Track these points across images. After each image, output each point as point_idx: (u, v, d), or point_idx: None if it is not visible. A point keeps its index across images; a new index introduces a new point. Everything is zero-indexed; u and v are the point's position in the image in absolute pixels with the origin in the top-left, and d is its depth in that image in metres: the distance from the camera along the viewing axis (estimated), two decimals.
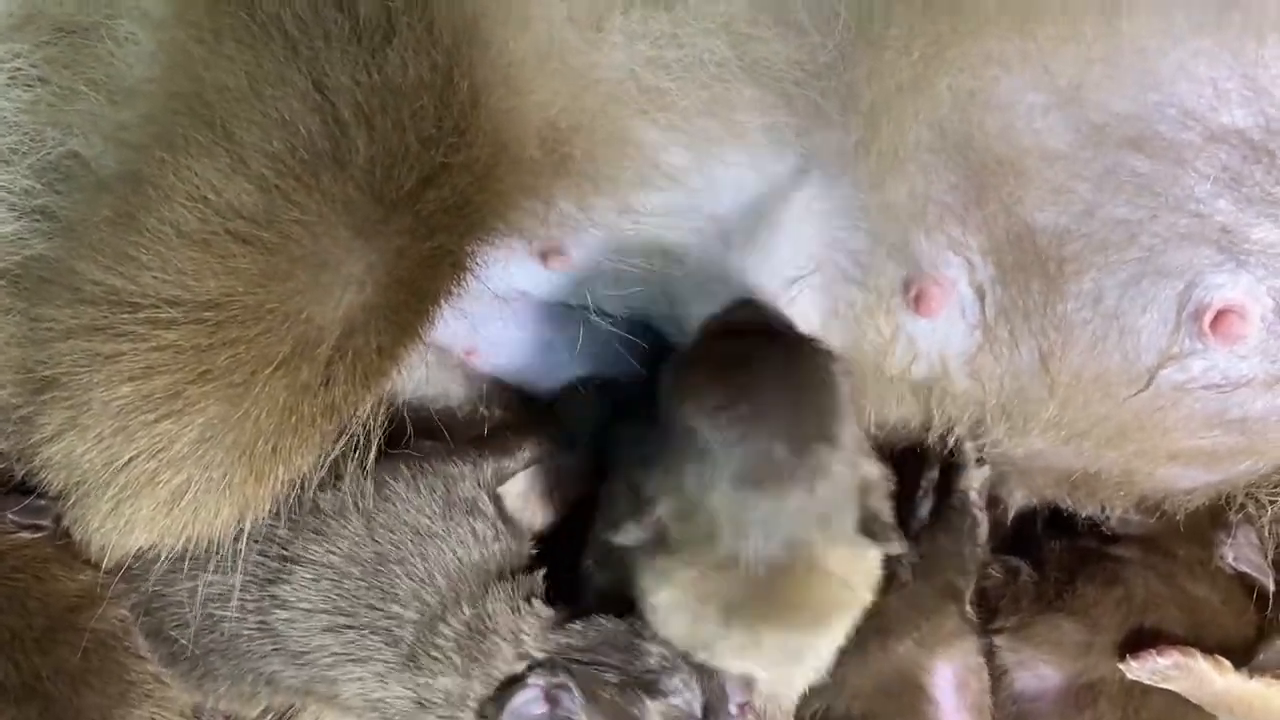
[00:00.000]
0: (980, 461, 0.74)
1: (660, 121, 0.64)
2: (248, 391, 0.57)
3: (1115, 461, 0.70)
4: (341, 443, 0.62)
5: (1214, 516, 0.76)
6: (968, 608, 0.75)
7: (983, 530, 0.76)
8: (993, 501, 0.78)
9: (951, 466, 0.75)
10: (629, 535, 0.60)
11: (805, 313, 0.66)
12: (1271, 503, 0.75)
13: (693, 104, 0.64)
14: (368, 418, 0.62)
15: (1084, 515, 0.78)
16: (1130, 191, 0.62)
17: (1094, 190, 0.62)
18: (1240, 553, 0.76)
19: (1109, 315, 0.64)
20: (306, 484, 0.62)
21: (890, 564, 0.70)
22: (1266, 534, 0.76)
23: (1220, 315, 0.63)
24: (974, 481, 0.74)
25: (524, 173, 0.62)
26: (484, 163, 0.58)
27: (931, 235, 0.64)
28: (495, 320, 0.71)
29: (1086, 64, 0.60)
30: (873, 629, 0.71)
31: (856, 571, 0.60)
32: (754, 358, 0.58)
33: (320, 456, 0.62)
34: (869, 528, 0.59)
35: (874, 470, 0.63)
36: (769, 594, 0.58)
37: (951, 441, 0.73)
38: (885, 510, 0.62)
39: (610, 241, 0.67)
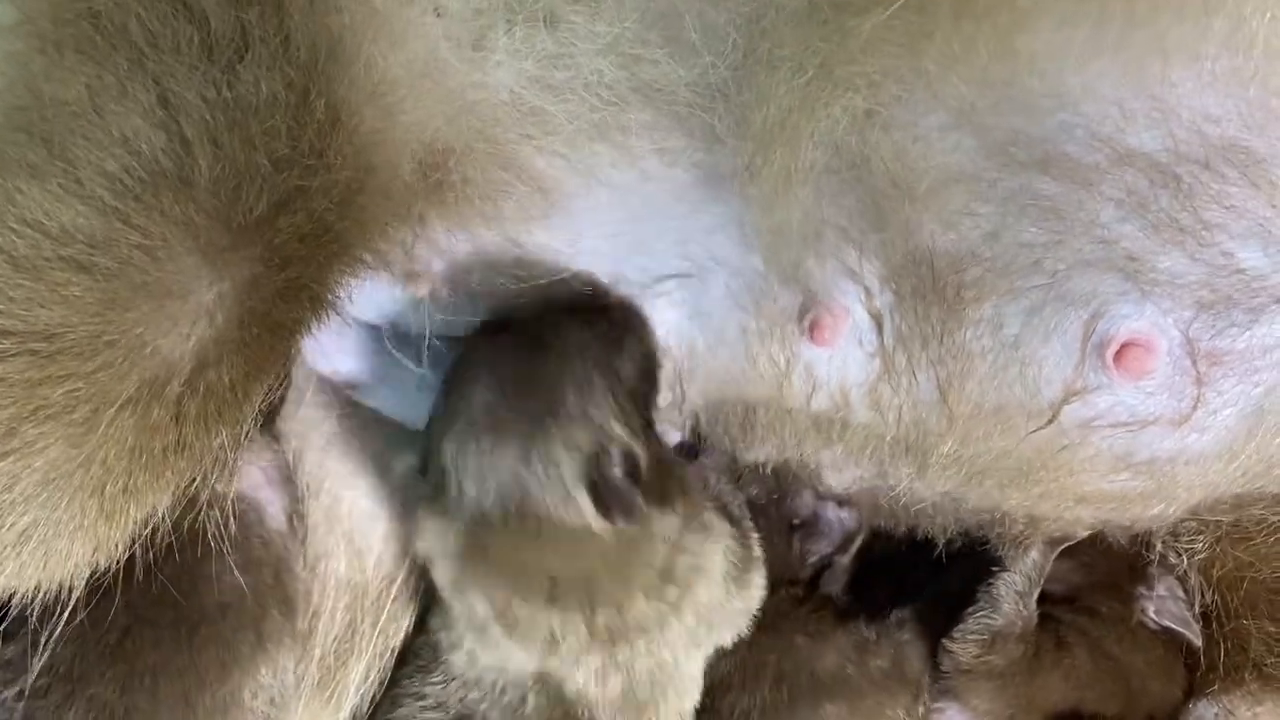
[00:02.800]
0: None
1: (545, 147, 0.61)
2: (92, 430, 0.53)
3: (1020, 504, 0.66)
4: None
5: (1133, 568, 0.73)
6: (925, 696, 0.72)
7: None
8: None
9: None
10: (400, 462, 0.64)
11: (679, 327, 0.64)
12: (1189, 550, 0.72)
13: (580, 128, 0.61)
14: (223, 452, 0.58)
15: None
16: (1035, 215, 0.59)
17: (998, 213, 0.59)
18: (1163, 606, 0.72)
19: (1010, 344, 0.61)
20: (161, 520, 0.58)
21: (861, 639, 0.71)
22: (1191, 583, 0.73)
23: (1125, 348, 0.60)
24: None
25: (395, 199, 0.59)
26: (345, 187, 0.54)
27: (826, 261, 0.61)
28: (353, 343, 0.67)
29: (985, 85, 0.57)
30: (812, 685, 0.71)
31: (588, 540, 0.58)
32: (517, 321, 0.61)
33: (175, 493, 0.58)
34: (598, 496, 0.58)
35: (638, 448, 0.60)
36: (503, 552, 0.59)
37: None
38: (623, 483, 0.59)
39: (487, 267, 0.63)
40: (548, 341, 0.60)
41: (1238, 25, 0.54)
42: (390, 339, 0.67)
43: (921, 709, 0.71)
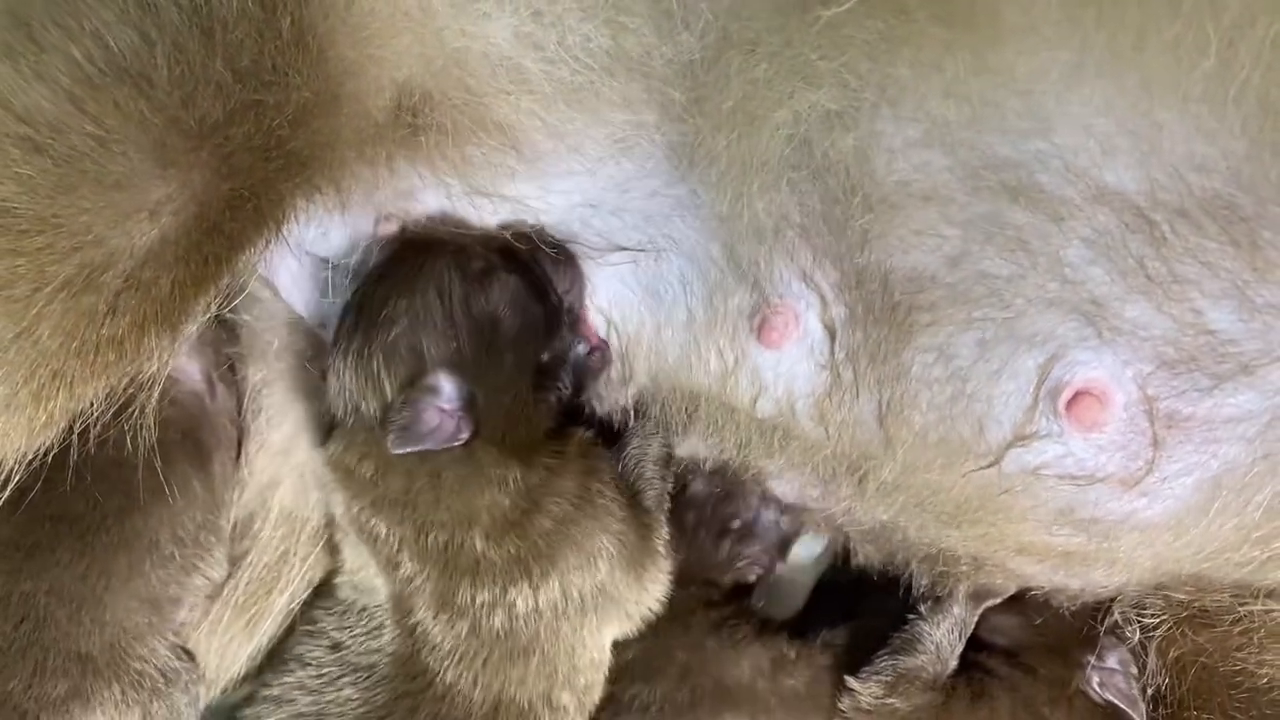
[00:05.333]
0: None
1: (523, 106, 0.61)
2: (30, 307, 0.55)
3: (960, 543, 0.64)
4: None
5: (1085, 636, 0.69)
6: None
7: None
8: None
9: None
10: None
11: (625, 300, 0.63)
12: (1149, 626, 0.68)
13: (559, 90, 0.61)
14: (156, 355, 0.59)
15: None
16: (1001, 244, 0.57)
17: (962, 238, 0.58)
18: (1109, 679, 0.68)
19: (959, 376, 0.59)
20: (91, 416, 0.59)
21: (780, 655, 0.70)
22: (1149, 662, 0.69)
23: (1079, 396, 0.57)
24: None
25: (364, 136, 0.60)
26: (302, 107, 0.55)
27: (783, 260, 0.60)
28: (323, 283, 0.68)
29: (960, 100, 0.55)
30: (717, 691, 0.69)
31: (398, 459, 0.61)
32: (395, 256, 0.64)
33: (106, 391, 0.59)
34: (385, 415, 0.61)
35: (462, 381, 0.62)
36: (347, 461, 0.64)
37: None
38: (423, 411, 0.61)
39: (452, 217, 0.64)
40: (411, 274, 0.61)
41: (1229, 69, 0.52)
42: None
43: None
